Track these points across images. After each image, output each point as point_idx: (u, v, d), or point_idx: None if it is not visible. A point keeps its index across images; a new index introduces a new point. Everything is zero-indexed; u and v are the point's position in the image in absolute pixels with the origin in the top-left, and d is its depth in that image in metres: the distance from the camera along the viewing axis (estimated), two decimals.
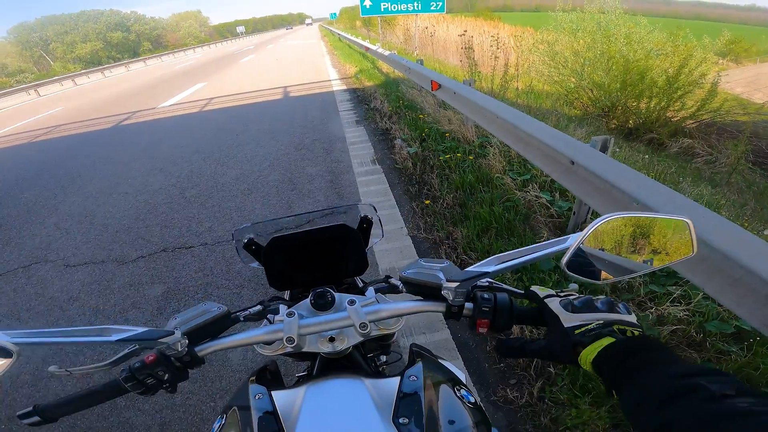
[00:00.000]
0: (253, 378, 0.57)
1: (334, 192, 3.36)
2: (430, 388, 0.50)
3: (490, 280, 0.56)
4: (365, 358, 0.70)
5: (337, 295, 0.59)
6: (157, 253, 2.78)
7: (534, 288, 0.55)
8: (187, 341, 0.51)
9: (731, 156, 4.53)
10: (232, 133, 5.53)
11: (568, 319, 0.48)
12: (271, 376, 0.63)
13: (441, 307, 0.54)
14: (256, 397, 0.51)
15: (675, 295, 1.78)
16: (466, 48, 6.12)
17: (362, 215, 0.84)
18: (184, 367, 0.52)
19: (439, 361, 0.61)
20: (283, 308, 0.59)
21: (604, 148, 2.01)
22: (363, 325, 0.51)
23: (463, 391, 0.52)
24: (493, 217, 2.59)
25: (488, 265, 0.52)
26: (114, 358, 0.51)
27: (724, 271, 1.18)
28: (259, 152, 4.58)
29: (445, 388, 0.52)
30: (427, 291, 0.55)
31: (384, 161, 3.96)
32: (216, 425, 0.51)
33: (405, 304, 0.55)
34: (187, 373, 0.54)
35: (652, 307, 1.77)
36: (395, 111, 5.51)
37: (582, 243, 0.48)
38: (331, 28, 30.53)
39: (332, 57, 14.52)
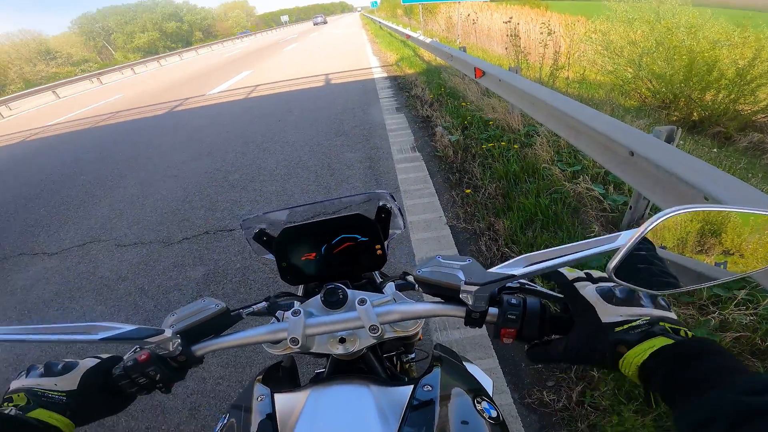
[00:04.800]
0: (260, 377, 0.54)
1: (373, 178, 3.35)
2: (446, 399, 0.46)
3: (521, 281, 0.49)
4: (381, 361, 0.64)
5: (349, 292, 0.54)
6: (200, 236, 2.89)
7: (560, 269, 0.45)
8: (179, 340, 0.48)
9: None
10: (274, 119, 5.67)
11: (608, 312, 0.40)
12: (284, 374, 0.60)
13: (461, 311, 0.47)
14: (259, 398, 0.49)
15: (739, 298, 1.61)
16: (511, 35, 5.86)
17: (380, 204, 0.76)
18: (179, 367, 0.50)
19: (464, 365, 0.55)
20: (295, 305, 0.56)
21: (669, 139, 1.83)
22: (374, 328, 0.47)
23: (484, 404, 0.47)
24: (539, 209, 2.47)
25: (515, 266, 0.43)
26: (126, 357, 0.50)
27: None
28: (300, 138, 4.65)
29: (463, 400, 0.47)
30: (448, 293, 0.47)
31: (424, 149, 3.89)
32: (219, 423, 0.49)
33: (421, 306, 0.49)
34: (184, 373, 0.51)
35: (714, 311, 1.61)
36: (436, 98, 5.39)
37: (637, 242, 0.37)
38: (372, 17, 30.46)
39: (373, 45, 14.44)
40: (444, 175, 3.31)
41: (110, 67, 21.24)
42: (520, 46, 5.69)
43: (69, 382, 0.47)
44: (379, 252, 0.72)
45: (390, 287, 0.59)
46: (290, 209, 0.80)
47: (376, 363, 0.61)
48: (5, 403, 0.45)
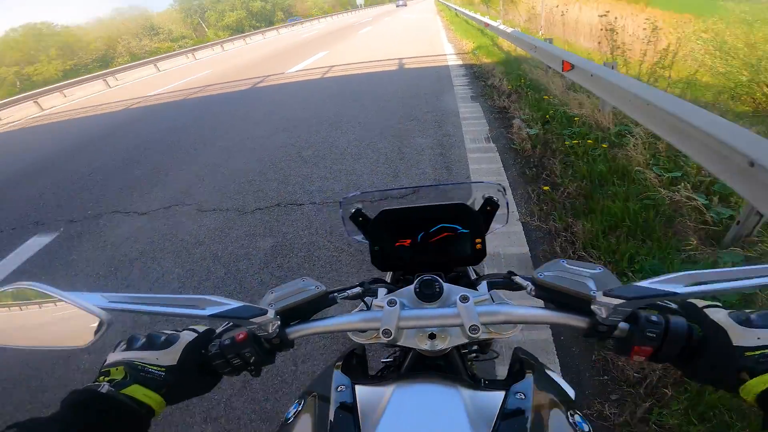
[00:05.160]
0: (339, 364, 0.52)
1: (443, 166, 3.31)
2: (538, 410, 0.42)
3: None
4: (464, 360, 0.61)
5: (446, 285, 0.51)
6: (272, 207, 3.06)
7: (691, 299, 0.43)
8: (278, 322, 0.47)
9: None
10: (347, 100, 5.80)
11: (741, 336, 0.37)
12: (357, 362, 0.57)
13: (581, 322, 0.44)
14: (338, 388, 0.46)
15: None
16: (607, 30, 5.36)
17: (487, 196, 0.71)
18: (272, 349, 0.49)
19: (548, 373, 0.52)
20: (382, 292, 0.54)
21: None
22: (474, 328, 0.44)
23: (577, 417, 0.44)
24: (626, 214, 2.28)
25: (675, 284, 0.39)
26: (218, 332, 0.50)
27: None
28: (371, 119, 4.72)
29: (556, 412, 0.44)
30: (570, 301, 0.45)
31: (499, 140, 3.74)
32: (292, 410, 0.47)
33: (531, 310, 0.46)
34: (274, 356, 0.49)
35: None
36: (515, 90, 5.14)
37: None
38: (447, 3, 29.68)
39: (448, 32, 14.05)
40: (519, 169, 3.17)
41: (203, 44, 23.05)
42: (616, 41, 5.20)
43: (170, 356, 0.46)
44: (478, 246, 0.68)
45: (484, 285, 0.56)
46: (390, 190, 0.80)
47: (460, 363, 0.58)
48: (101, 377, 0.44)
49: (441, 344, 0.49)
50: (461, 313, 0.44)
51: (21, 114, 11.58)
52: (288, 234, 2.69)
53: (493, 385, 0.48)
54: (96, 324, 0.42)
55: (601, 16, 5.82)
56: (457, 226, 0.67)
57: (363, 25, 24.77)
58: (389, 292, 0.54)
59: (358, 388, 0.46)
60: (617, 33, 5.46)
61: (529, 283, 0.51)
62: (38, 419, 0.37)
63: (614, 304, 0.40)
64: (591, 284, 0.44)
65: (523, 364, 0.51)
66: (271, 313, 0.46)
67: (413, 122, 4.44)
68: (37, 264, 2.86)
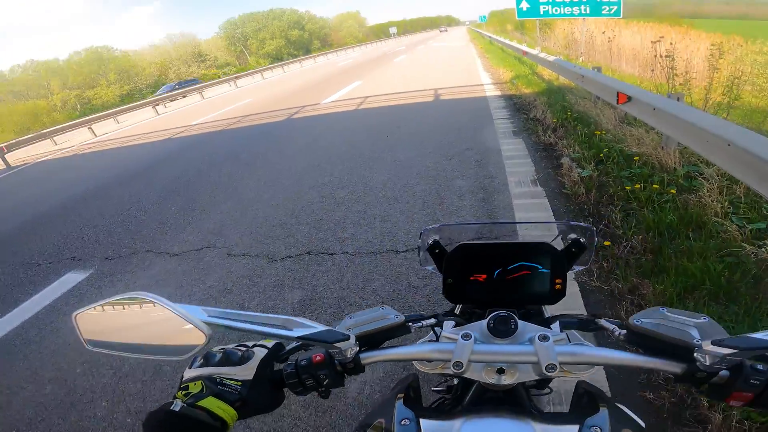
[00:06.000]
0: (401, 396, 0.50)
1: (486, 214, 3.02)
2: None
3: None
4: (529, 395, 0.60)
5: (521, 323, 0.51)
6: (303, 255, 2.88)
7: None
8: (357, 348, 0.49)
9: None
10: (382, 135, 5.67)
11: None
12: (413, 394, 0.56)
13: (676, 367, 0.45)
14: (402, 422, 0.45)
15: None
16: (664, 56, 4.98)
17: (573, 237, 0.70)
18: (343, 372, 0.50)
19: (620, 407, 0.50)
20: (449, 324, 0.56)
21: None
22: (551, 366, 0.44)
23: None
24: (706, 275, 1.92)
25: None
26: (287, 349, 0.53)
27: None
28: (408, 157, 4.53)
29: None
30: (665, 348, 0.45)
31: (547, 182, 3.43)
32: None
33: (614, 353, 0.46)
34: (344, 379, 0.51)
35: None
36: (561, 123, 4.82)
37: None
38: (480, 31, 30.03)
39: (483, 60, 13.96)
40: (573, 219, 2.84)
41: (245, 72, 24.31)
42: (675, 69, 4.80)
43: (247, 371, 0.48)
44: (558, 287, 0.66)
45: (557, 325, 0.57)
46: (469, 225, 0.74)
47: (525, 397, 0.57)
48: (180, 392, 0.47)
49: (509, 379, 0.49)
50: (538, 351, 0.45)
51: (77, 139, 12.47)
52: (318, 287, 2.49)
53: (562, 419, 0.46)
54: (197, 339, 0.45)
55: (655, 42, 5.44)
56: (537, 265, 0.66)
57: (397, 54, 25.29)
58: (457, 325, 0.56)
59: (423, 422, 0.45)
60: (674, 59, 5.06)
61: (616, 327, 0.52)
62: None
63: (723, 353, 0.40)
64: (694, 333, 0.44)
65: (590, 397, 0.50)
66: (352, 339, 0.48)
67: (452, 161, 4.21)
68: (68, 302, 2.85)
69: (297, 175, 4.55)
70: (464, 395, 0.59)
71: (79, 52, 51.19)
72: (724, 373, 0.43)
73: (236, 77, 21.84)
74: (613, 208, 2.79)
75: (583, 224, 0.71)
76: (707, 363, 0.42)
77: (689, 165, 3.18)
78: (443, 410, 0.52)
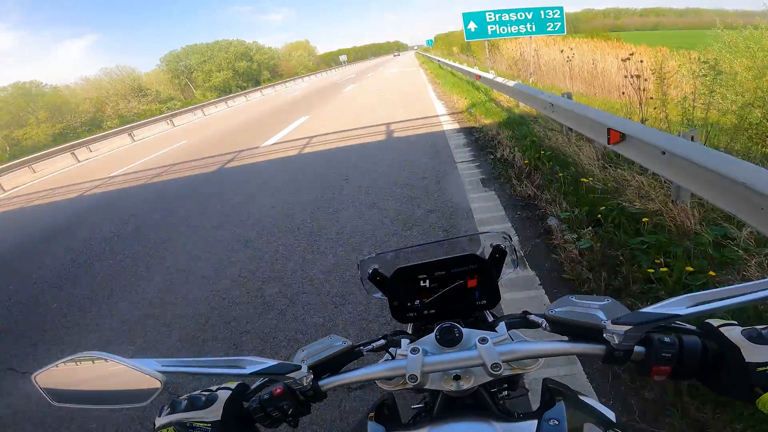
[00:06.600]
0: (372, 415, 0.53)
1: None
2: None
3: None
4: (493, 397, 0.59)
5: (465, 330, 0.53)
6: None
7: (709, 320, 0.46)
8: (312, 376, 0.51)
9: None
10: (327, 192, 4.68)
11: (752, 352, 0.40)
12: (388, 412, 0.57)
13: (598, 349, 0.47)
14: None
15: None
16: (633, 76, 4.49)
17: (494, 244, 0.73)
18: (307, 401, 0.52)
19: (582, 398, 0.50)
20: (405, 342, 0.58)
21: None
22: (495, 366, 0.46)
23: None
24: None
25: (677, 306, 0.42)
26: (252, 388, 0.55)
27: None
28: (357, 228, 3.57)
29: None
30: (584, 333, 0.48)
31: (539, 262, 2.60)
32: None
33: (548, 344, 0.49)
34: (309, 407, 0.53)
35: None
36: (534, 165, 4.13)
37: None
38: (428, 55, 30.60)
39: (435, 86, 13.62)
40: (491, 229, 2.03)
41: (184, 108, 22.68)
42: (643, 89, 4.32)
43: (214, 413, 0.50)
44: (492, 292, 0.71)
45: (502, 326, 0.60)
46: (403, 250, 0.80)
47: (489, 399, 0.57)
48: None
49: (466, 384, 0.51)
50: (481, 353, 0.48)
51: None
52: None
53: (525, 416, 0.47)
54: (153, 385, 0.48)
55: (624, 60, 4.97)
56: (468, 275, 0.70)
57: (347, 83, 24.80)
58: (411, 342, 0.57)
59: None
60: (647, 80, 4.59)
61: (543, 320, 0.54)
62: None
63: (624, 330, 0.43)
64: (601, 314, 0.47)
65: (552, 392, 0.51)
66: (304, 368, 0.51)
67: (413, 230, 3.31)
68: None
69: (218, 261, 3.44)
70: (434, 406, 0.59)
71: (6, 88, 46.29)
72: (639, 349, 0.46)
73: (172, 115, 20.15)
74: (631, 299, 2.02)
75: (499, 232, 0.77)
76: (616, 342, 0.44)
77: (714, 225, 2.51)
78: (413, 423, 0.54)
